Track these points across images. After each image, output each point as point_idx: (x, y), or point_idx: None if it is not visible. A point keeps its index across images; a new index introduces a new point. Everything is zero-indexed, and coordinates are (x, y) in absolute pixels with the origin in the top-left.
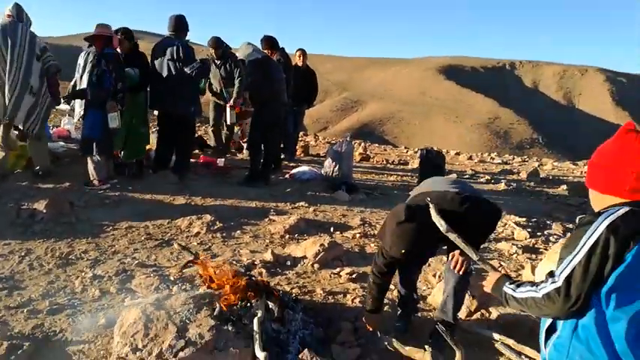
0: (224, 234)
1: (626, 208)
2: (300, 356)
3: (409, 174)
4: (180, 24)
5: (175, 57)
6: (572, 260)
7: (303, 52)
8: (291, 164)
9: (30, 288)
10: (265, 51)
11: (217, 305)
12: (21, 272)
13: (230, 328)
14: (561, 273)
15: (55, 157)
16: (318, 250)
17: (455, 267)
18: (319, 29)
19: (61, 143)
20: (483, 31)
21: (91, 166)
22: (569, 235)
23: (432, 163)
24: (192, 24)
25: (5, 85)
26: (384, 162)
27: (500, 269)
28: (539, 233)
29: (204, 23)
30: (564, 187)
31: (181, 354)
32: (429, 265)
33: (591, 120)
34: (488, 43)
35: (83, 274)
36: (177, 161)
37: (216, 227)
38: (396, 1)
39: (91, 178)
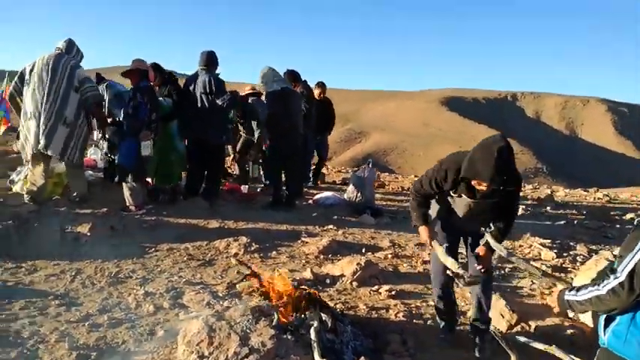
0: (261, 254)
1: None
2: None
3: None
4: (210, 59)
5: (208, 89)
6: (633, 257)
7: (321, 86)
8: (313, 191)
9: (86, 304)
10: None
11: (275, 316)
12: (75, 290)
13: (289, 337)
14: (624, 269)
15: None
16: (356, 268)
17: (481, 266)
18: (324, 62)
19: (90, 172)
20: (485, 64)
21: (127, 192)
22: (627, 236)
23: None
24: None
25: (41, 115)
26: (400, 189)
27: (561, 280)
28: (564, 254)
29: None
30: (581, 211)
31: None
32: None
33: (594, 149)
34: (489, 75)
35: (135, 291)
36: (206, 188)
37: (253, 248)
38: (400, 35)
39: (127, 204)
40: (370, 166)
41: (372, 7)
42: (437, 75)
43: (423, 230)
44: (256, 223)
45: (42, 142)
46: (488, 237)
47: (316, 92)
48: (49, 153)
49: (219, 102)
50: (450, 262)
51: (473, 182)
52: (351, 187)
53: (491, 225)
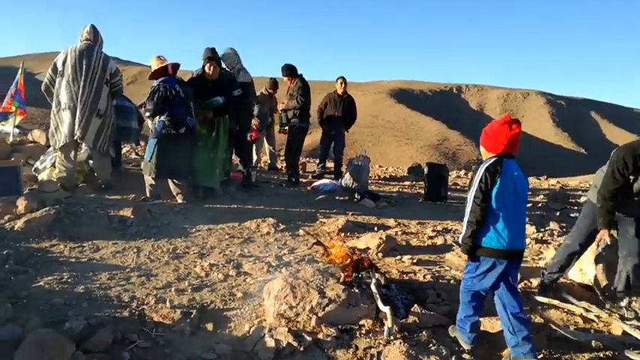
0: (289, 233)
1: (495, 159)
2: (412, 309)
3: (407, 185)
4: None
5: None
6: (473, 187)
7: (343, 80)
8: (311, 179)
9: (161, 275)
10: (285, 78)
11: (341, 275)
12: (145, 264)
13: (357, 291)
14: (470, 195)
15: None
16: (379, 242)
17: None
18: (272, 53)
19: None
20: (432, 57)
21: (146, 184)
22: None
23: (438, 174)
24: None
25: (77, 108)
26: (376, 177)
27: None
28: (542, 229)
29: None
30: (541, 196)
31: (327, 308)
32: None
33: (533, 141)
34: (436, 68)
35: (199, 263)
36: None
37: (281, 228)
38: (347, 26)
39: (147, 195)
40: (365, 154)
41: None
42: (386, 66)
43: (605, 233)
44: (272, 207)
45: (78, 133)
46: None
47: (337, 87)
48: (84, 143)
49: (235, 93)
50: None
51: None
52: (347, 175)
53: None
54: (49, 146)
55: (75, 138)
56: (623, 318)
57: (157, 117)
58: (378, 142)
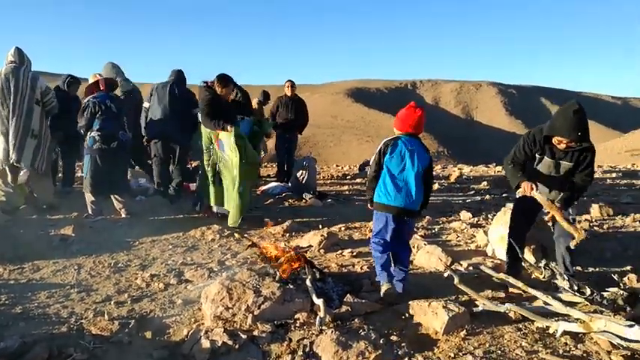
0: (235, 238)
1: (397, 136)
2: (345, 299)
3: (357, 182)
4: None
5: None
6: (373, 158)
7: (291, 83)
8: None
9: (101, 290)
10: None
11: (277, 273)
12: (85, 280)
13: (291, 287)
14: (371, 164)
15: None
16: (321, 239)
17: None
18: (226, 56)
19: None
20: (385, 55)
21: (87, 201)
22: None
23: None
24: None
25: (9, 131)
26: (330, 176)
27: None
28: (478, 214)
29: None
30: (485, 183)
31: (263, 306)
32: None
33: (489, 130)
34: (390, 65)
35: (140, 275)
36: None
37: (226, 233)
38: (299, 28)
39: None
40: (311, 155)
41: (267, 3)
42: (339, 67)
43: (525, 184)
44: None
45: (13, 156)
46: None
47: (286, 90)
48: (21, 166)
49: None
50: (545, 202)
51: (554, 140)
52: (294, 175)
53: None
54: None
55: (11, 162)
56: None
57: (89, 133)
58: (339, 142)
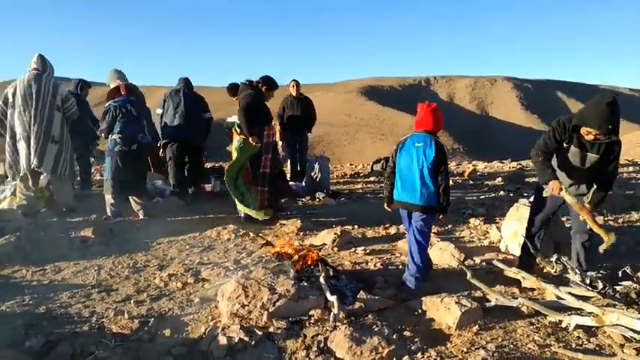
0: (250, 237)
1: (412, 134)
2: (358, 296)
3: (370, 181)
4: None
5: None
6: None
7: (296, 82)
8: None
9: (121, 289)
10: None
11: (291, 271)
12: (105, 280)
13: (305, 284)
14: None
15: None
16: (334, 237)
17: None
18: (243, 57)
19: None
20: (398, 51)
21: (107, 204)
22: None
23: None
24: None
25: (30, 137)
26: (343, 175)
27: None
28: (491, 211)
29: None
30: (499, 179)
31: (278, 303)
32: None
33: (504, 125)
34: (404, 62)
35: (158, 274)
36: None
37: (241, 233)
38: (313, 28)
39: (108, 213)
40: (324, 155)
41: (280, 3)
42: (353, 66)
43: (554, 184)
44: (234, 214)
45: (34, 162)
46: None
47: (291, 89)
48: (42, 171)
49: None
50: (575, 204)
51: (582, 130)
52: (308, 176)
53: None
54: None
55: (32, 167)
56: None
57: (110, 136)
58: (353, 141)
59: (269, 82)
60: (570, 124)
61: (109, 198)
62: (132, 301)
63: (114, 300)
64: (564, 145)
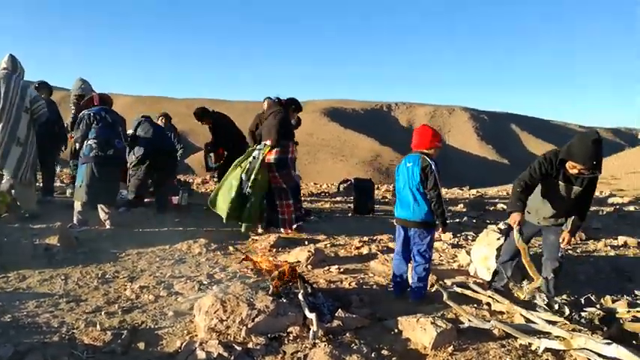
0: (222, 252)
1: (413, 153)
2: (336, 314)
3: (337, 200)
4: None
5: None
6: None
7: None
8: None
9: (91, 300)
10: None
11: (270, 287)
12: (73, 290)
13: (284, 300)
14: None
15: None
16: (309, 255)
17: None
18: (207, 73)
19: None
20: (362, 75)
21: (75, 211)
22: None
23: (363, 188)
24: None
25: None
26: (310, 193)
27: None
28: (458, 234)
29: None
30: (461, 205)
31: (257, 319)
32: None
33: (461, 154)
34: (366, 86)
35: (129, 286)
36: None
37: (212, 247)
38: (277, 47)
39: (74, 221)
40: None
41: (245, 20)
42: (319, 86)
43: (516, 215)
44: (204, 228)
45: None
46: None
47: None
48: (4, 173)
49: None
50: (522, 247)
51: (568, 165)
52: None
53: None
54: None
55: None
56: (523, 301)
57: (85, 142)
58: (314, 160)
59: (297, 104)
60: (556, 159)
61: (77, 205)
62: (102, 313)
63: (83, 310)
64: (552, 178)
